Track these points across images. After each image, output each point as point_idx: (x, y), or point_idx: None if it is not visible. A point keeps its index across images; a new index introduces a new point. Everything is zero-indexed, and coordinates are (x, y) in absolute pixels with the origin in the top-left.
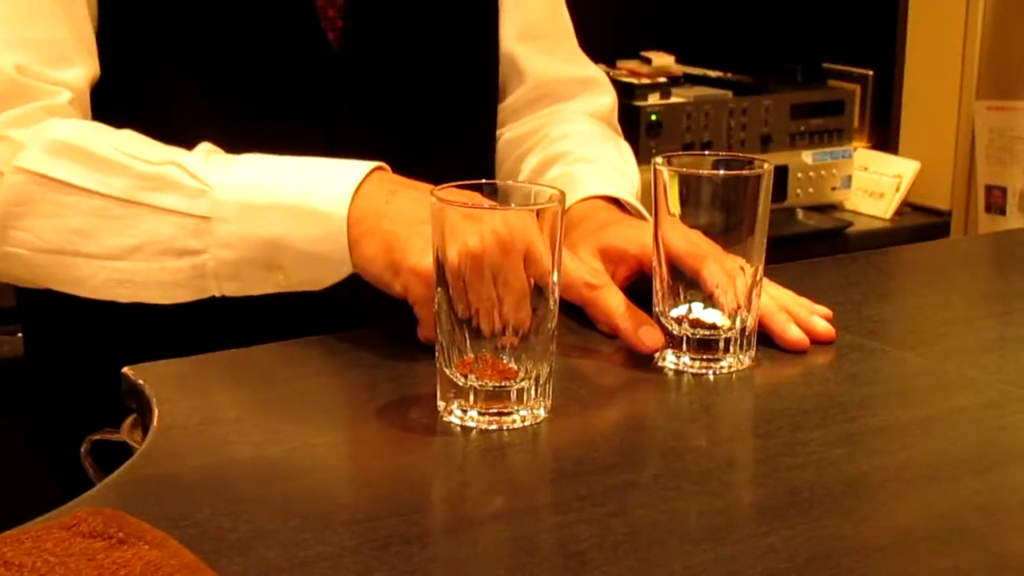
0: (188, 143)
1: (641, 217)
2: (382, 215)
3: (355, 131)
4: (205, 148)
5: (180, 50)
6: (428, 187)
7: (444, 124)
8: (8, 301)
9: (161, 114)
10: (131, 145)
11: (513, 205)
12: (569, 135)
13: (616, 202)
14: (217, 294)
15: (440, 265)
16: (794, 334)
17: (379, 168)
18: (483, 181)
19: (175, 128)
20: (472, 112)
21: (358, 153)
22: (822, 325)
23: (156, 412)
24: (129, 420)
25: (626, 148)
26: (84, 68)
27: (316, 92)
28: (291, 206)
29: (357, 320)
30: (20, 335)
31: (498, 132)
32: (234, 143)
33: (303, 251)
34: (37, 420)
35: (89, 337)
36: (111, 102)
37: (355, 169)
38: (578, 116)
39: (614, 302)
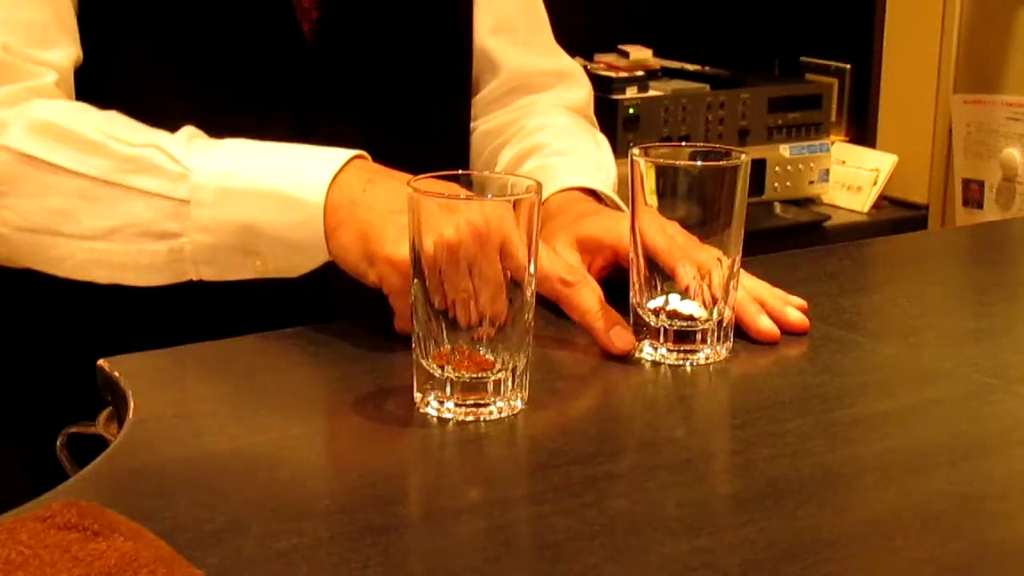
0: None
1: (618, 208)
2: (358, 204)
3: (329, 122)
4: (187, 132)
5: (155, 39)
6: (406, 176)
7: (419, 116)
8: None
9: (135, 102)
10: (115, 127)
11: (490, 196)
12: (545, 127)
13: (593, 194)
14: (195, 278)
15: (416, 256)
16: (765, 325)
17: (359, 156)
18: (460, 172)
19: (148, 117)
20: (447, 104)
21: (332, 144)
22: (795, 316)
23: (132, 404)
24: (105, 413)
25: (603, 140)
26: (68, 50)
27: (290, 83)
28: (269, 192)
29: (332, 312)
30: None
31: (473, 124)
32: (208, 131)
33: (280, 238)
34: (8, 410)
35: (63, 330)
36: (86, 89)
37: (334, 157)
38: (554, 108)
39: (588, 300)
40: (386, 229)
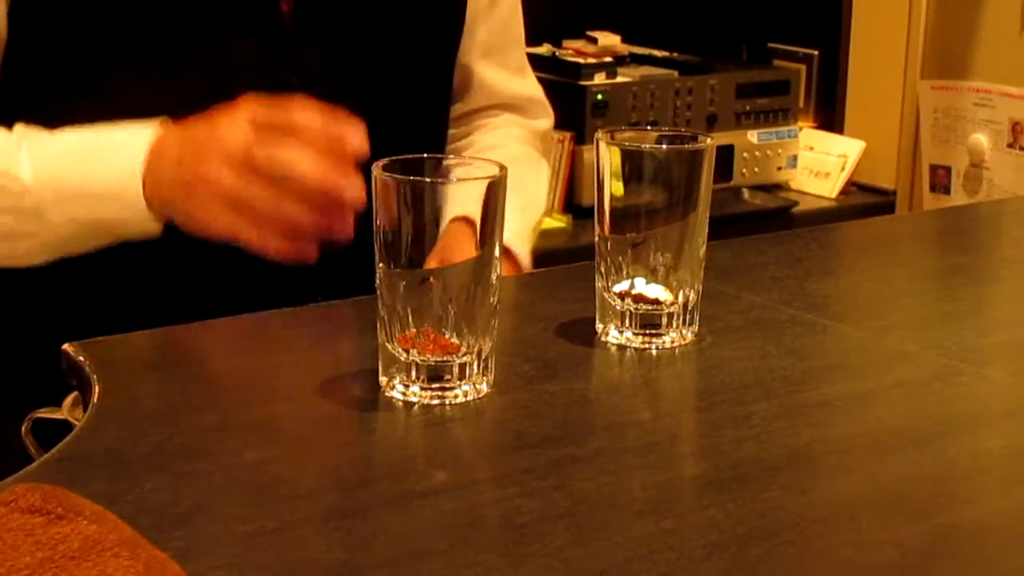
0: (135, 115)
1: (512, 259)
2: (174, 180)
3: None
4: (18, 133)
5: (127, 19)
6: (214, 119)
7: (394, 104)
8: None
9: (107, 85)
10: None
11: (455, 179)
12: (494, 148)
13: None
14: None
15: (383, 236)
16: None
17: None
18: (424, 155)
19: (121, 100)
20: (424, 95)
21: None
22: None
23: (96, 389)
24: (70, 398)
25: (543, 173)
26: None
27: (266, 62)
28: (96, 193)
29: (306, 295)
30: None
31: None
32: (180, 109)
33: (120, 225)
34: None
35: (28, 314)
36: (56, 72)
37: (136, 143)
38: (510, 131)
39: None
40: (196, 165)
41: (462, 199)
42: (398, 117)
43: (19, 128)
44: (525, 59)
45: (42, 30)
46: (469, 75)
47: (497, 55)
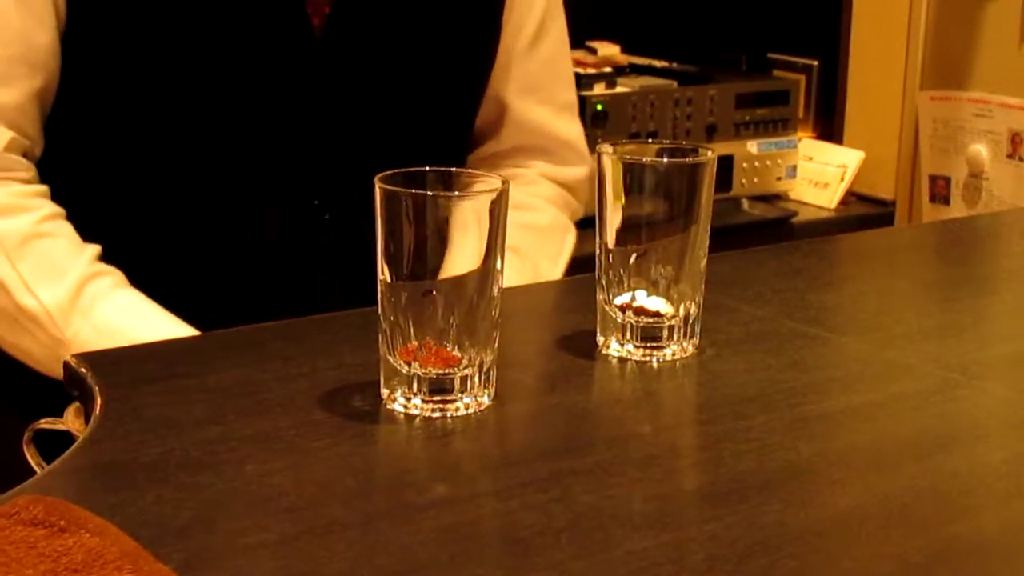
0: (166, 140)
1: None
2: None
3: (330, 121)
4: (73, 288)
5: (159, 40)
6: None
7: (415, 123)
8: None
9: (139, 110)
10: (26, 265)
11: (456, 193)
12: (524, 210)
13: None
14: None
15: (388, 249)
16: None
17: None
18: (427, 168)
19: (153, 125)
20: (447, 118)
21: (328, 141)
22: None
23: (98, 400)
24: (72, 408)
25: (567, 247)
26: (22, 85)
27: (296, 77)
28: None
29: (308, 307)
30: None
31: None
32: (210, 131)
33: None
34: None
35: None
36: (86, 96)
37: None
38: (541, 191)
39: None
40: None
41: None
42: (418, 136)
43: (83, 270)
44: (574, 100)
45: (86, 48)
46: (503, 110)
47: (539, 92)
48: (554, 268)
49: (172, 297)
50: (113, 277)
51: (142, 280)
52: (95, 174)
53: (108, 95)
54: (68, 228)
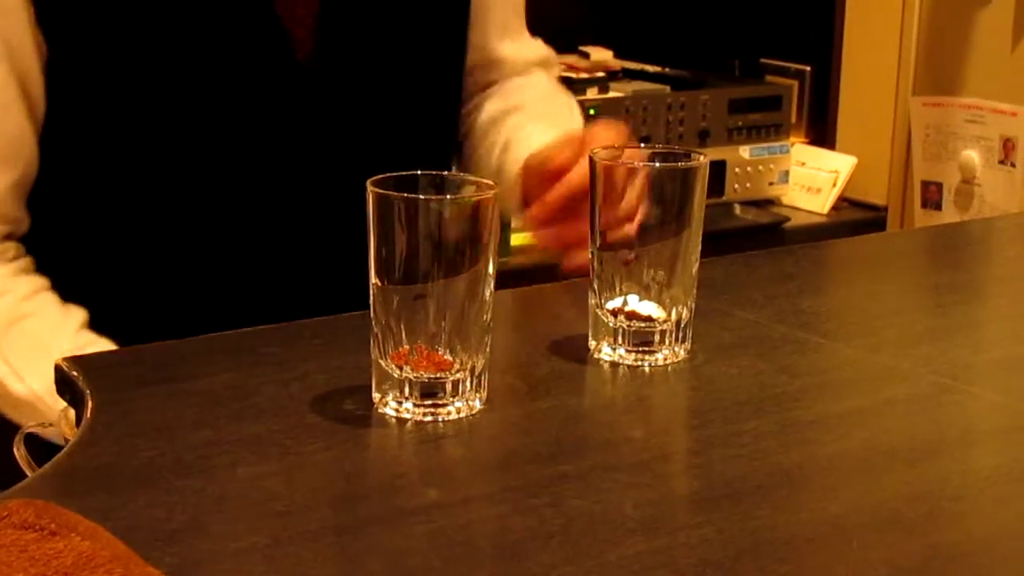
0: (152, 152)
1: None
2: None
3: (319, 139)
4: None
5: (144, 68)
6: None
7: (406, 134)
8: None
9: (126, 124)
10: (13, 351)
11: (448, 196)
12: (523, 89)
13: None
14: None
15: (381, 253)
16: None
17: None
18: (419, 172)
19: (139, 138)
20: (434, 126)
21: (316, 151)
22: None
23: (89, 403)
24: (63, 412)
25: (575, 107)
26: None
27: (281, 99)
28: None
29: (300, 311)
30: None
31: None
32: (195, 152)
33: None
34: None
35: None
36: (73, 124)
37: None
38: (536, 75)
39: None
40: None
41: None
42: (407, 140)
43: (70, 344)
44: (523, 22)
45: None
46: (489, 55)
47: (511, 32)
48: (571, 119)
49: (163, 305)
50: (98, 346)
51: (133, 289)
52: (88, 192)
53: (95, 116)
54: (50, 299)
